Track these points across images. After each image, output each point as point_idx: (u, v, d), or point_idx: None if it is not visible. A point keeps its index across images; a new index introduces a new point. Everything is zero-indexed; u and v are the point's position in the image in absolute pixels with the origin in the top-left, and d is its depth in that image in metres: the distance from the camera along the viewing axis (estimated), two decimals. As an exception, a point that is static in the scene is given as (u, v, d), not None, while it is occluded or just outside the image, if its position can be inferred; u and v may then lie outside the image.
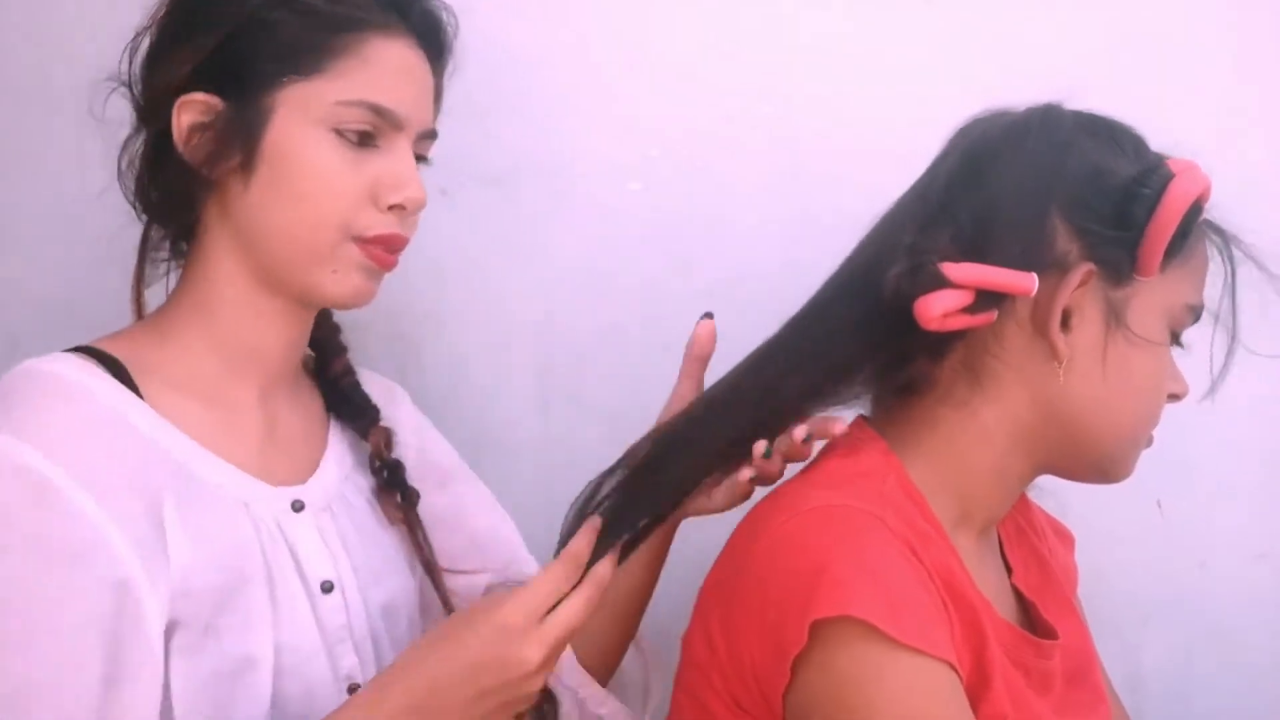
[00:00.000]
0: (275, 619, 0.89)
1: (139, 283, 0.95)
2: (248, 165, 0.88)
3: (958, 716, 0.80)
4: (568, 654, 1.02)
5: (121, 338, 0.91)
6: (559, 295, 1.26)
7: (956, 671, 0.81)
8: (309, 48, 0.89)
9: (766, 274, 1.23)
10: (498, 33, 1.23)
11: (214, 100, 0.89)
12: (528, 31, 1.23)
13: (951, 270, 0.84)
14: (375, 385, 1.07)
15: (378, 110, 0.90)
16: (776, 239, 1.23)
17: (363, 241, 0.90)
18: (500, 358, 1.27)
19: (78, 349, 0.89)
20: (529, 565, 1.11)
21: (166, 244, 0.96)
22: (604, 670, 1.05)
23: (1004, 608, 0.94)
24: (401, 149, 0.92)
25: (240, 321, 0.92)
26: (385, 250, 0.92)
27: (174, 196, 0.91)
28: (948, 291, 0.84)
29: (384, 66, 0.91)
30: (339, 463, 1.00)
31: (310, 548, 0.93)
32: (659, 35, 1.23)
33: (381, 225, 0.91)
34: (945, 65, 1.22)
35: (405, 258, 1.24)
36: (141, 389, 0.88)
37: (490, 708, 0.83)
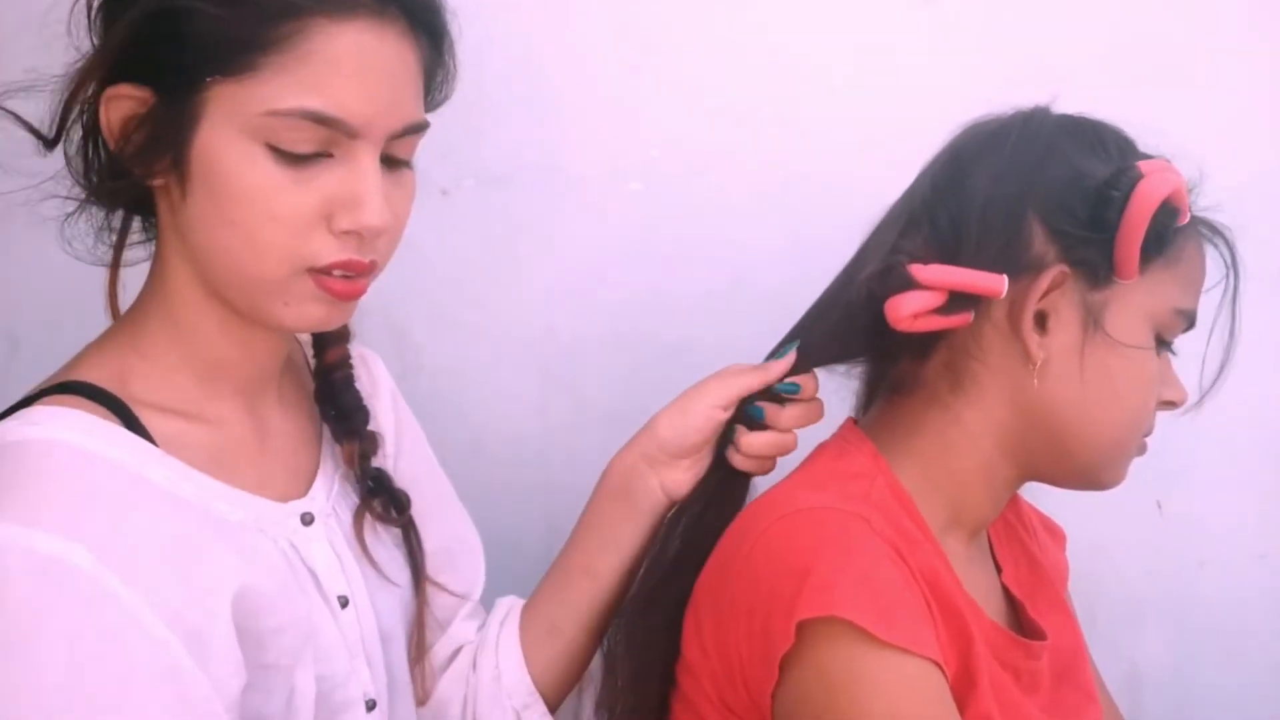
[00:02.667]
0: (312, 647, 0.84)
1: (114, 270, 0.85)
2: (179, 171, 0.77)
3: (944, 715, 0.81)
4: (520, 673, 0.99)
5: (104, 361, 0.82)
6: (559, 295, 1.26)
7: (942, 671, 0.81)
8: (235, 41, 0.75)
9: (767, 274, 1.23)
10: (498, 33, 1.22)
11: (145, 94, 0.77)
12: (528, 31, 1.23)
13: (920, 271, 0.84)
14: (356, 364, 0.98)
15: (321, 119, 0.76)
16: (777, 239, 1.23)
17: (316, 273, 0.79)
18: (500, 358, 1.27)
19: (63, 386, 0.80)
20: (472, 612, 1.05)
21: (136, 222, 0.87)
22: (555, 692, 1.01)
23: (993, 609, 0.94)
24: (361, 160, 0.78)
25: (206, 334, 0.83)
26: (344, 280, 0.80)
27: (121, 189, 0.82)
28: (917, 293, 0.84)
29: (332, 61, 0.76)
30: (335, 460, 0.94)
31: (325, 562, 0.87)
32: (660, 36, 1.23)
33: (335, 252, 0.78)
34: (945, 67, 1.22)
35: (406, 257, 1.24)
36: (142, 421, 0.79)
37: None
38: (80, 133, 0.82)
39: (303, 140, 0.76)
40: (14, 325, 1.22)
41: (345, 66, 0.77)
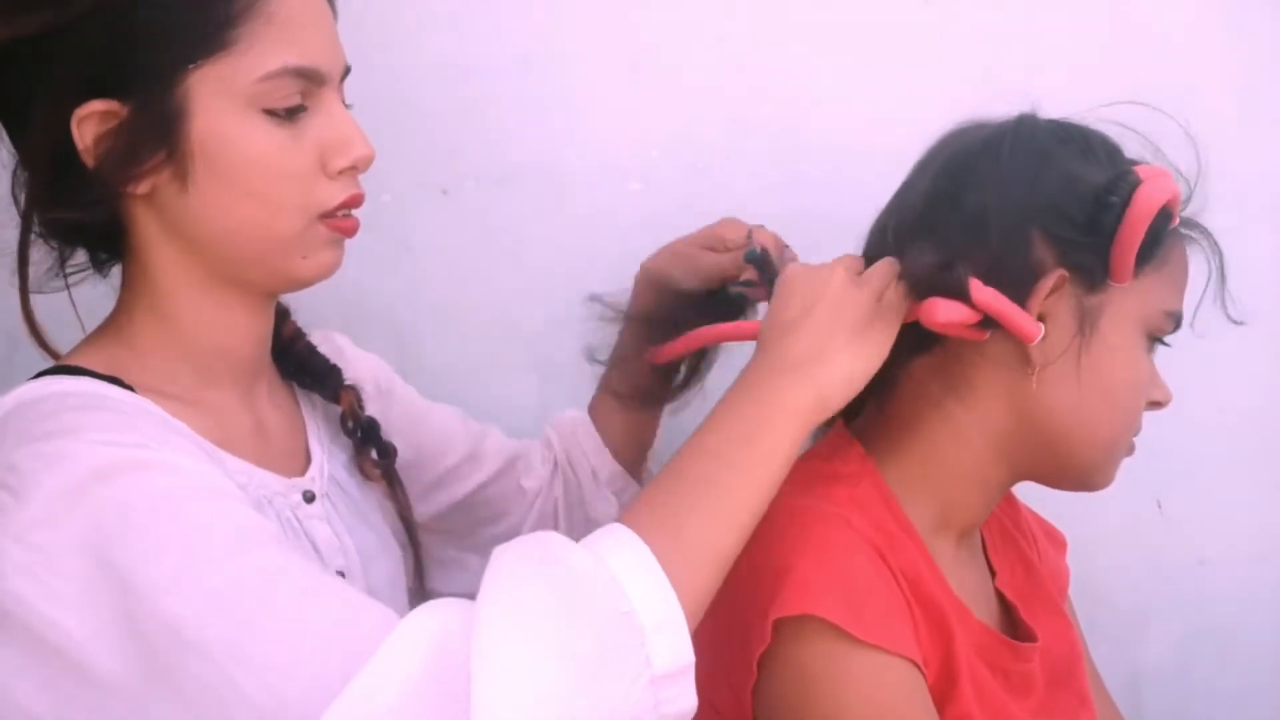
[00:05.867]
0: None
1: (25, 302, 0.84)
2: (178, 170, 0.79)
3: (919, 712, 0.82)
4: (612, 464, 1.12)
5: (93, 353, 0.84)
6: (559, 295, 1.26)
7: (919, 669, 0.82)
8: (208, 23, 0.78)
9: (766, 274, 1.23)
10: (498, 33, 1.23)
11: (114, 105, 0.78)
12: (528, 31, 1.23)
13: (977, 289, 0.84)
14: (321, 343, 1.02)
15: (301, 73, 0.80)
16: (777, 239, 1.23)
17: (327, 217, 0.84)
18: (500, 358, 1.27)
19: (56, 370, 0.82)
20: (491, 433, 1.14)
21: (54, 252, 0.86)
22: (636, 463, 1.15)
23: (984, 611, 0.95)
24: (332, 105, 0.83)
25: (205, 326, 0.85)
26: (349, 217, 0.85)
27: (92, 218, 0.82)
28: (961, 305, 0.84)
29: (290, 19, 0.80)
30: (320, 441, 0.96)
31: (324, 539, 0.90)
32: (659, 35, 1.23)
33: (341, 191, 0.83)
34: (945, 64, 1.23)
35: (406, 258, 1.24)
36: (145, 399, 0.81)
37: (822, 311, 0.84)
38: (43, 167, 0.81)
39: (288, 96, 0.80)
40: (14, 325, 1.22)
41: (300, 21, 0.81)
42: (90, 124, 0.79)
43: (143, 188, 0.80)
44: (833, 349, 0.83)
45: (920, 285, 0.84)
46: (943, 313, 0.84)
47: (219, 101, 0.79)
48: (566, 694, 0.67)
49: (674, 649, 0.71)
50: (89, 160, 0.79)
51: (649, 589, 0.71)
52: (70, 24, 0.77)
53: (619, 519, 0.77)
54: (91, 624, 0.70)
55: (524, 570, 0.72)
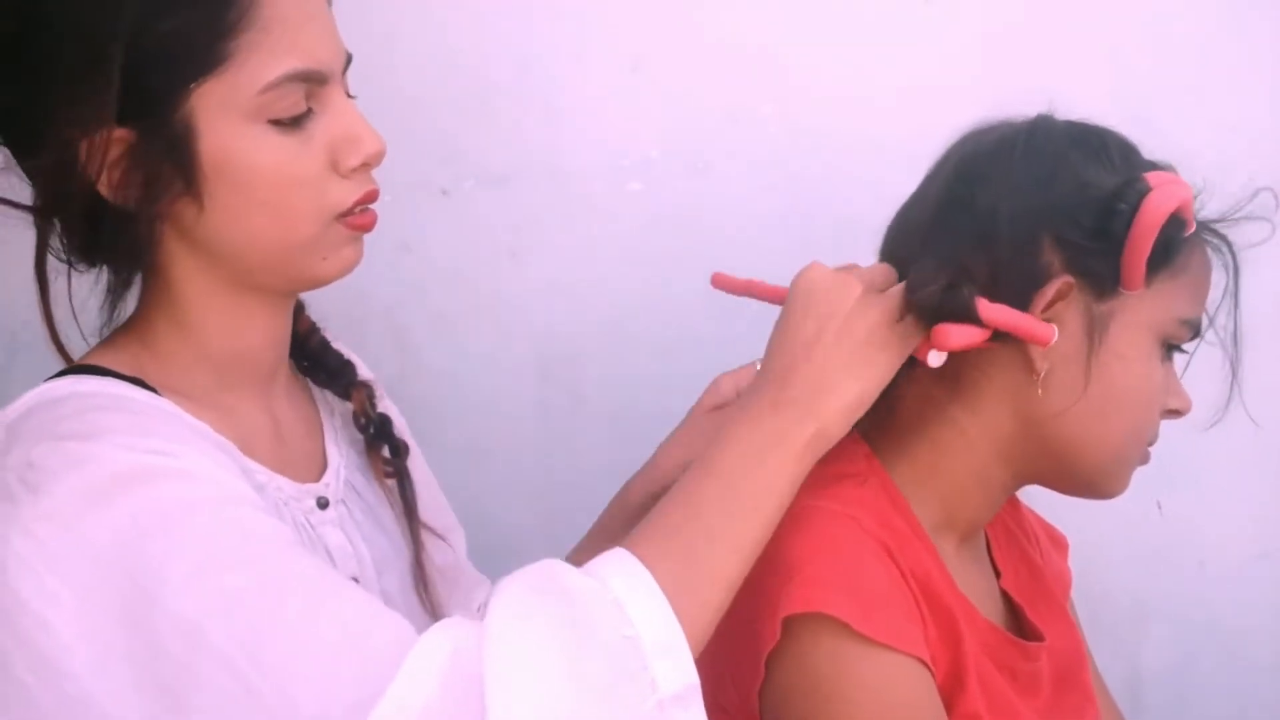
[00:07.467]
0: None
1: (49, 320, 0.83)
2: (193, 188, 0.79)
3: (928, 711, 0.82)
4: None
5: (115, 354, 0.84)
6: (559, 295, 1.26)
7: (928, 668, 0.82)
8: (205, 39, 0.76)
9: (767, 274, 1.22)
10: (498, 32, 1.23)
11: (121, 133, 0.77)
12: (528, 31, 1.23)
13: (985, 308, 0.82)
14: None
15: (304, 77, 0.79)
16: (777, 239, 1.23)
17: (344, 216, 0.83)
18: (500, 358, 1.27)
19: (83, 369, 0.82)
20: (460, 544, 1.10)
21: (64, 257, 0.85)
22: None
23: (990, 610, 0.94)
24: (338, 103, 0.82)
25: (226, 332, 0.85)
26: (365, 212, 0.84)
27: (116, 241, 0.81)
28: (971, 328, 0.82)
29: (287, 20, 0.78)
30: (336, 443, 0.96)
31: (337, 545, 0.89)
32: (659, 35, 1.23)
33: (355, 189, 0.83)
34: (946, 65, 1.23)
35: (406, 258, 1.24)
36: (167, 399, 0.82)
37: (832, 331, 0.83)
38: (61, 199, 0.80)
39: (294, 104, 0.79)
40: (14, 325, 1.22)
41: (298, 20, 0.79)
42: (99, 154, 0.77)
43: (161, 208, 0.80)
44: (836, 378, 0.82)
45: (927, 313, 0.82)
46: (955, 338, 0.82)
47: (224, 116, 0.78)
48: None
49: (678, 671, 0.72)
50: (103, 190, 0.79)
51: (651, 613, 0.72)
52: (68, 54, 0.76)
53: (623, 544, 0.77)
54: (84, 629, 0.70)
55: (528, 597, 0.72)
